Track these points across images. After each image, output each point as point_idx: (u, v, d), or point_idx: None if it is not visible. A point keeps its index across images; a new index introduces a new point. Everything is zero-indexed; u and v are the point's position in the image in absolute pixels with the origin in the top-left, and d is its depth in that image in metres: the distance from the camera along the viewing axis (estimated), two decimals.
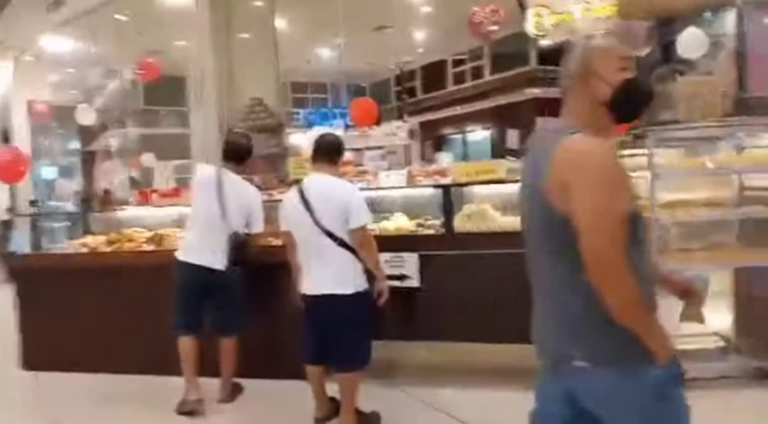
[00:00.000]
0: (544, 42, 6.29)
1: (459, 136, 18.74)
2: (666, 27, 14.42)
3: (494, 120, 16.60)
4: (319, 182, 3.15)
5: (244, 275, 3.69)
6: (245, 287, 3.76)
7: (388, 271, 4.02)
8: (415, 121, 19.13)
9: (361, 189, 4.20)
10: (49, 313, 4.57)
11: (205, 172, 3.70)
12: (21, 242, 5.36)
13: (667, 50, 11.78)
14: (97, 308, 4.39)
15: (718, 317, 4.27)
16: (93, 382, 4.30)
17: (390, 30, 13.16)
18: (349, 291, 3.03)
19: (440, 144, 19.25)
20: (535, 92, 14.54)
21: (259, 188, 3.95)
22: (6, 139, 11.42)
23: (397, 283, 3.92)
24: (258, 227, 3.69)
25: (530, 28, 6.10)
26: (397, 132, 7.00)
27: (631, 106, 1.56)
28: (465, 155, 17.59)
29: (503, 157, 4.62)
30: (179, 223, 5.00)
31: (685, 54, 8.29)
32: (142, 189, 7.27)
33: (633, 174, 3.73)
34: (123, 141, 15.98)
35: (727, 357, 3.84)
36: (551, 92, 12.60)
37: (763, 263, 3.61)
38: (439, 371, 4.21)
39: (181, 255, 3.65)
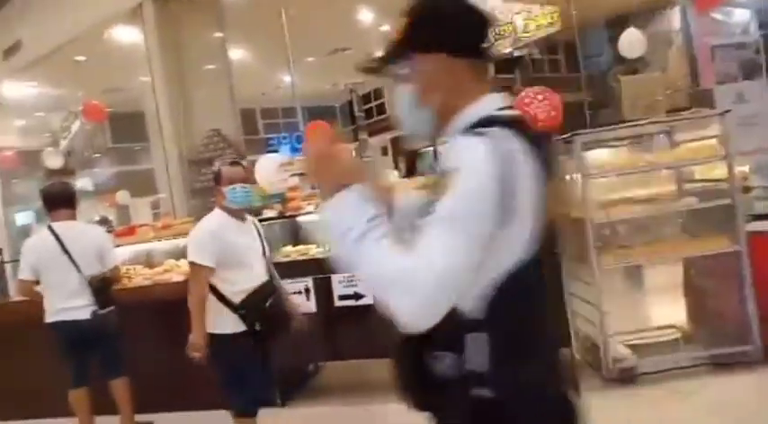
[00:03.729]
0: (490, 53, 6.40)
1: (431, 148, 18.89)
2: (618, 28, 14.65)
3: None
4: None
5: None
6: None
7: (344, 291, 4.06)
8: (386, 137, 19.25)
9: (311, 212, 4.27)
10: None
11: (36, 241, 3.65)
12: None
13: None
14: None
15: (674, 309, 4.35)
16: None
17: (350, 51, 13.30)
18: None
19: (413, 157, 19.34)
20: None
21: None
22: None
23: (352, 302, 3.95)
24: (112, 263, 3.67)
25: None
26: None
27: None
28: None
29: None
30: (137, 261, 4.99)
31: (626, 54, 8.50)
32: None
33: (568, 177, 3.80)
34: (94, 181, 15.88)
35: (681, 348, 3.89)
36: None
37: (705, 252, 3.69)
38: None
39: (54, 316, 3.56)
